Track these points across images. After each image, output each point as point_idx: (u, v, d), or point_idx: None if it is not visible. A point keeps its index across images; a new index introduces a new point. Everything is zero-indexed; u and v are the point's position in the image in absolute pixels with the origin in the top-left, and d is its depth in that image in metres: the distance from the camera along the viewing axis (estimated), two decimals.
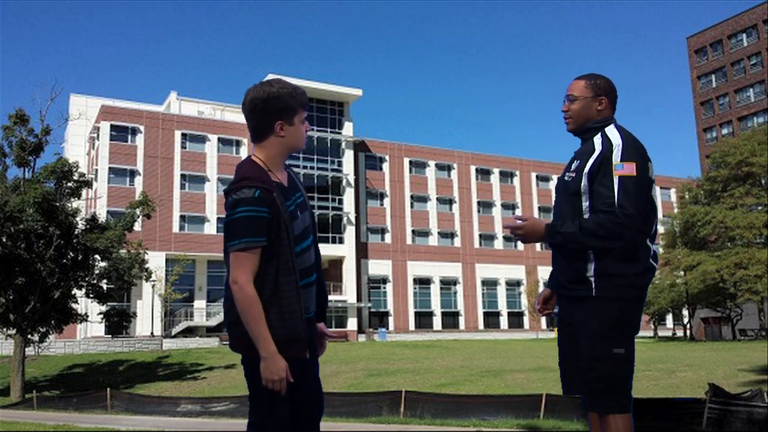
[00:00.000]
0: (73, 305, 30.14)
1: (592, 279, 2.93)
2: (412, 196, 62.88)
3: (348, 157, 58.44)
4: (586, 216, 2.95)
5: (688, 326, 58.16)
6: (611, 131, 3.05)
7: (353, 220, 57.45)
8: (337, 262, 56.53)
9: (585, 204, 2.96)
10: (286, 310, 2.59)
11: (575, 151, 3.23)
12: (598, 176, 2.92)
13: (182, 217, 52.53)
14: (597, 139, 3.04)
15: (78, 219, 29.31)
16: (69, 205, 28.84)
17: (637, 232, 2.90)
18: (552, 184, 69.26)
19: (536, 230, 2.98)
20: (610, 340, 2.89)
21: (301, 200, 2.78)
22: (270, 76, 54.59)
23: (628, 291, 2.93)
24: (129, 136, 51.98)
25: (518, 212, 67.13)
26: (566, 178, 3.08)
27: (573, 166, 3.07)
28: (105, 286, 31.54)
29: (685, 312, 57.45)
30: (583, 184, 2.96)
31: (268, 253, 2.59)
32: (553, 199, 3.28)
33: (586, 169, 2.96)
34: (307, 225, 2.77)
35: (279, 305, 2.58)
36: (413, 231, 62.14)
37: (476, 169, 66.39)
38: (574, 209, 3.00)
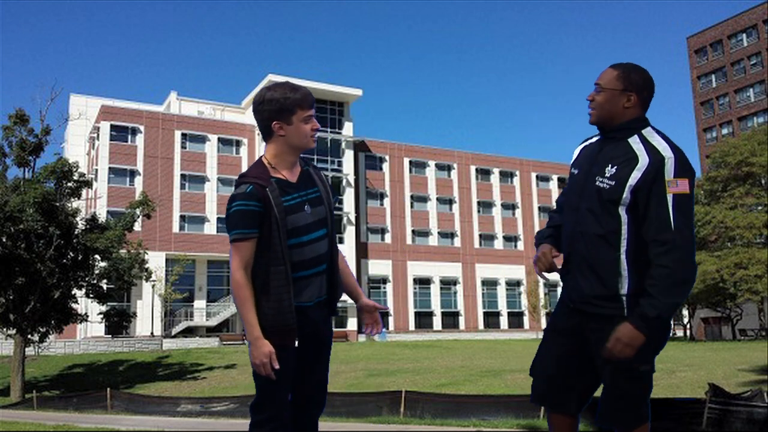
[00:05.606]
0: (73, 305, 30.11)
1: (625, 298, 2.70)
2: (412, 196, 62.84)
3: (348, 157, 58.41)
4: (624, 227, 2.69)
5: (688, 326, 58.18)
6: (654, 138, 2.74)
7: (353, 220, 57.42)
8: None
9: (624, 216, 2.69)
10: (274, 299, 2.75)
11: (591, 142, 2.94)
12: (651, 195, 2.63)
13: (182, 217, 52.49)
14: (636, 145, 2.72)
15: (78, 219, 29.28)
16: (69, 205, 28.81)
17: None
18: (552, 184, 69.09)
19: (634, 339, 2.60)
20: (637, 359, 2.68)
21: (316, 195, 2.94)
22: (270, 77, 54.78)
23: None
24: (129, 136, 51.93)
25: (518, 212, 67.07)
26: (599, 183, 2.73)
27: (609, 172, 2.72)
28: (105, 286, 31.50)
29: (685, 312, 57.45)
30: (624, 196, 2.67)
31: (262, 245, 2.77)
32: (556, 195, 3.00)
33: (631, 182, 2.65)
34: (321, 218, 2.92)
35: (268, 294, 2.75)
36: (413, 231, 62.11)
37: (476, 169, 66.33)
38: (610, 216, 2.71)
